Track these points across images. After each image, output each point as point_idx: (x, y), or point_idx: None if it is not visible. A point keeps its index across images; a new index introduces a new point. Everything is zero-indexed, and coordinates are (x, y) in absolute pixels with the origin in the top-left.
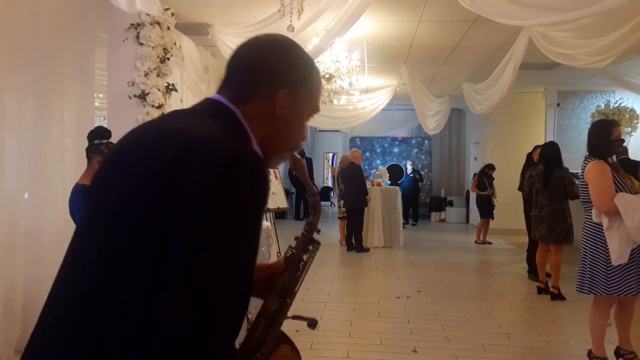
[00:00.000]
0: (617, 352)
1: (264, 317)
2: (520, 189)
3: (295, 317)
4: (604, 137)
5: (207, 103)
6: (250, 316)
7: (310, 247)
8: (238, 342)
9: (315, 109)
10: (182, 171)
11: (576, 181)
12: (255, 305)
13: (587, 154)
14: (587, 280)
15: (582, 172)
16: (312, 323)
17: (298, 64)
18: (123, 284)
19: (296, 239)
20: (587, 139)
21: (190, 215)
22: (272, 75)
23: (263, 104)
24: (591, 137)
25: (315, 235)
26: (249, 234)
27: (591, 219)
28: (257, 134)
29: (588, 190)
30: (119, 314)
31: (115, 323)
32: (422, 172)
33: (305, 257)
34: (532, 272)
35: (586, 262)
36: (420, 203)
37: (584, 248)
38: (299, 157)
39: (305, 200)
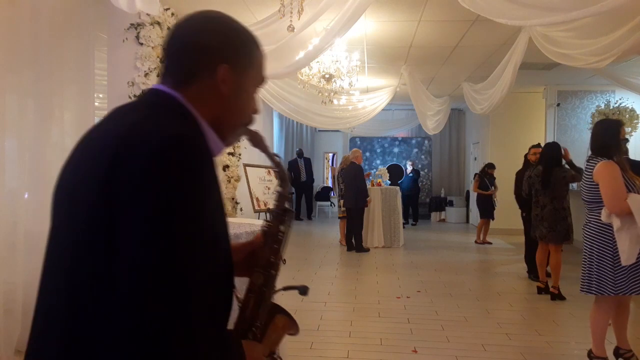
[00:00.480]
0: (617, 352)
1: (253, 292)
2: (516, 192)
3: (286, 288)
4: (615, 136)
5: (148, 93)
6: (239, 295)
7: (286, 217)
8: (232, 321)
9: (261, 79)
10: (121, 166)
11: (582, 179)
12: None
13: (590, 153)
14: (595, 281)
15: (589, 172)
16: (303, 290)
17: (232, 36)
18: (89, 284)
19: (269, 211)
20: (591, 139)
21: (133, 209)
22: (208, 52)
23: (205, 84)
24: (600, 137)
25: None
26: (199, 215)
27: (597, 219)
28: (207, 115)
29: (595, 191)
30: (91, 314)
31: (90, 323)
32: (421, 172)
33: (282, 228)
34: (532, 273)
35: (593, 262)
36: (420, 203)
37: (590, 248)
38: (254, 130)
39: (308, 199)
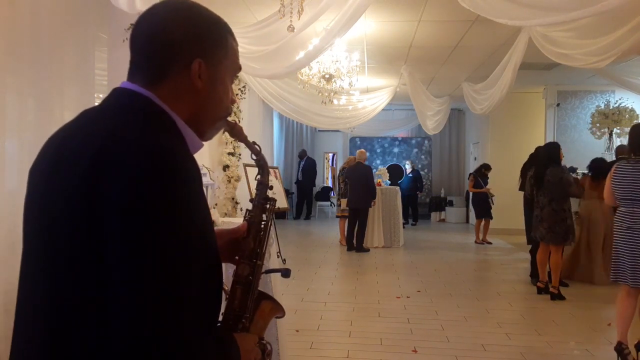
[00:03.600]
0: (619, 347)
1: (240, 284)
2: (521, 189)
3: (268, 271)
4: None
5: (117, 94)
6: (226, 288)
7: (268, 206)
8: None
9: (237, 67)
10: (102, 182)
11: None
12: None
13: (632, 155)
14: None
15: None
16: (286, 273)
17: (204, 27)
18: (76, 304)
19: (251, 201)
20: (633, 141)
21: (116, 227)
22: (180, 47)
23: (179, 80)
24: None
25: (269, 193)
26: (188, 224)
27: None
28: (183, 112)
29: None
30: (82, 339)
31: (81, 349)
32: (421, 172)
33: (265, 217)
34: (534, 277)
35: None
36: (420, 203)
37: None
38: (233, 121)
39: (309, 200)
